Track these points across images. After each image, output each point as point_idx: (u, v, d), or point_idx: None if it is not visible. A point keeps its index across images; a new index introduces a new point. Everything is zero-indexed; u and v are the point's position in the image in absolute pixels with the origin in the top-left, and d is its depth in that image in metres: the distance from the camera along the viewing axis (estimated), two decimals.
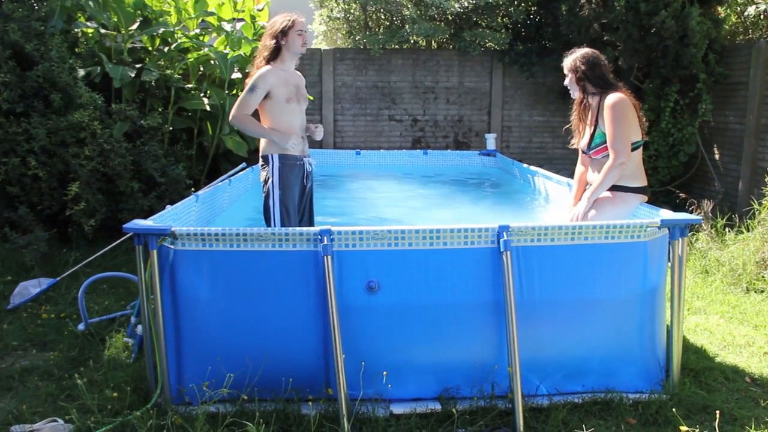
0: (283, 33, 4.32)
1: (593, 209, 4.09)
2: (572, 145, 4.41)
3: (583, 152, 4.28)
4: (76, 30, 7.36)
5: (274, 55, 4.37)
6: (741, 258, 5.88)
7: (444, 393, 3.59)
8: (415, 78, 9.89)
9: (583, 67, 4.14)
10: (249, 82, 4.36)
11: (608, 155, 3.99)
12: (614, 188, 4.08)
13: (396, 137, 10.00)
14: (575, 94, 4.23)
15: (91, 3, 7.31)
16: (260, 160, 4.42)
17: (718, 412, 3.37)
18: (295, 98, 4.43)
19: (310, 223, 4.65)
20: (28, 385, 3.88)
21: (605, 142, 4.02)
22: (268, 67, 4.35)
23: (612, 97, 4.02)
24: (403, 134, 10.01)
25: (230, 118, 4.41)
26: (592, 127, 4.13)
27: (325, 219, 6.13)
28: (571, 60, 4.20)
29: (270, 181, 4.37)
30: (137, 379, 3.82)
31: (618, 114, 3.97)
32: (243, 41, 8.18)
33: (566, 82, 4.26)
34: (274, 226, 4.29)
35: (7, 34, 6.28)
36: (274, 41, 4.34)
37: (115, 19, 7.38)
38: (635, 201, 4.12)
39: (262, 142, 4.43)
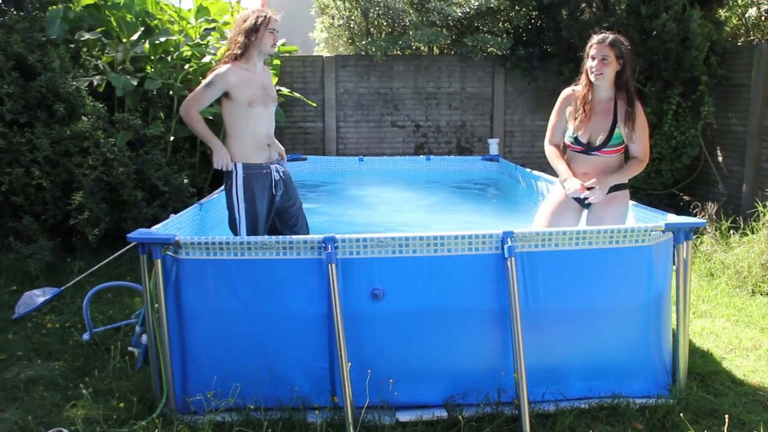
0: (255, 30, 4.09)
1: (614, 207, 4.05)
2: (571, 136, 4.07)
3: (581, 145, 4.01)
4: (78, 40, 7.37)
5: (242, 52, 4.14)
6: (746, 260, 5.86)
7: (450, 400, 3.58)
8: (417, 84, 9.89)
9: (629, 60, 3.88)
10: (208, 76, 4.16)
11: (616, 156, 4.00)
12: (621, 187, 4.09)
13: (399, 143, 10.01)
14: (605, 81, 3.90)
15: (92, 13, 7.33)
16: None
17: (726, 416, 3.35)
18: (261, 101, 4.21)
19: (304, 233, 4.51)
20: (34, 395, 3.87)
21: (621, 143, 3.96)
22: (230, 65, 4.13)
23: (640, 106, 3.94)
24: (406, 140, 10.01)
25: (180, 107, 4.23)
26: (610, 126, 3.94)
27: (329, 227, 6.14)
28: (623, 45, 3.87)
29: (234, 192, 4.20)
30: (143, 389, 3.81)
31: (647, 125, 3.96)
32: None
33: (597, 67, 3.86)
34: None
35: (10, 46, 6.30)
36: (243, 37, 4.10)
37: (117, 29, 7.39)
38: None
39: (228, 148, 4.23)
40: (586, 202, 4.08)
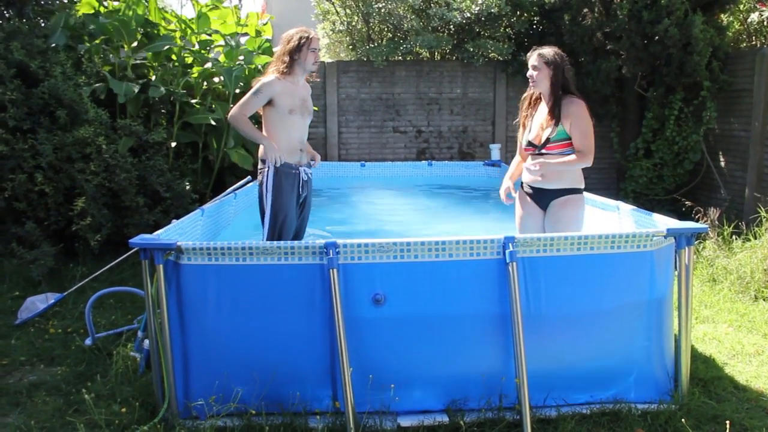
0: (298, 49, 4.51)
1: (569, 210, 4.19)
2: (520, 138, 4.43)
3: (533, 146, 4.26)
4: (79, 46, 7.40)
5: (287, 67, 4.53)
6: (749, 266, 5.85)
7: (451, 405, 3.58)
8: (418, 89, 9.91)
9: (563, 66, 4.19)
10: (255, 85, 4.55)
11: (563, 153, 4.14)
12: (575, 191, 4.24)
13: (400, 149, 10.01)
14: (542, 88, 4.22)
15: (94, 20, 7.36)
16: (259, 162, 4.64)
17: (728, 422, 3.35)
18: (299, 110, 4.62)
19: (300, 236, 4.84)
20: (36, 400, 3.88)
21: (566, 139, 4.14)
22: (276, 76, 4.53)
23: (580, 102, 4.18)
24: (408, 146, 10.02)
25: (229, 115, 4.60)
26: (553, 124, 4.16)
27: (331, 231, 6.15)
28: (552, 54, 4.20)
29: (264, 185, 4.58)
30: (145, 394, 3.81)
31: (589, 119, 4.17)
32: (247, 55, 8.22)
33: (535, 73, 4.20)
34: (266, 229, 4.52)
35: (11, 53, 6.33)
36: (287, 56, 4.52)
37: (119, 36, 7.42)
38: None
39: (261, 147, 4.60)
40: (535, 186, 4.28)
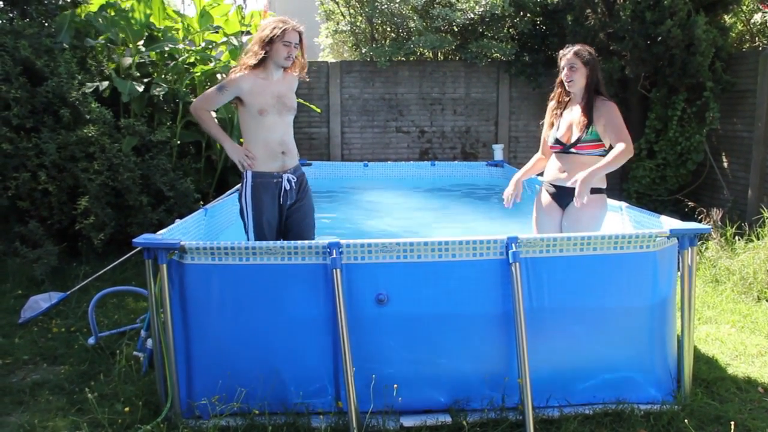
0: (270, 41, 4.08)
1: (591, 208, 4.06)
2: (545, 135, 4.37)
3: (561, 144, 4.19)
4: (85, 45, 7.42)
5: (259, 62, 4.13)
6: (751, 267, 5.85)
7: (454, 405, 3.58)
8: (421, 89, 9.91)
9: (598, 65, 4.18)
10: (224, 79, 4.23)
11: (594, 153, 4.08)
12: (599, 191, 4.14)
13: (403, 149, 10.02)
14: (577, 87, 4.15)
15: (99, 19, 7.38)
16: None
17: (732, 423, 3.35)
18: (274, 109, 4.18)
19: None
20: (39, 399, 3.89)
21: (596, 140, 4.09)
22: (245, 73, 4.13)
23: (612, 104, 4.15)
24: (411, 146, 10.03)
25: (191, 106, 4.29)
26: (584, 124, 4.10)
27: (334, 232, 6.15)
28: (588, 53, 4.16)
29: (243, 199, 4.23)
30: (148, 393, 3.82)
31: (621, 119, 4.11)
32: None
33: (567, 74, 4.14)
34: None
35: (18, 51, 6.34)
36: (258, 47, 4.11)
37: (123, 35, 7.43)
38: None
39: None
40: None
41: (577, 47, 4.19)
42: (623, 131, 4.04)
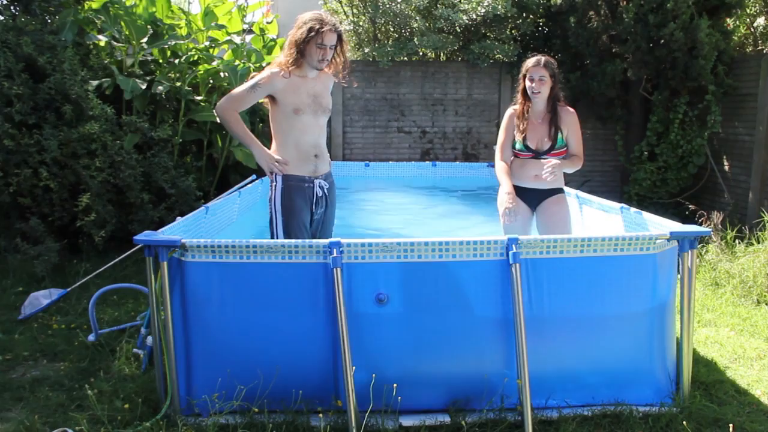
0: (305, 42, 3.82)
1: (562, 206, 4.56)
2: (521, 145, 4.50)
3: (532, 152, 4.44)
4: (87, 42, 7.42)
5: (293, 60, 3.88)
6: (751, 270, 5.85)
7: (453, 405, 3.58)
8: (423, 90, 9.91)
9: (558, 75, 4.44)
10: (256, 76, 3.91)
11: (562, 158, 4.40)
12: (563, 191, 4.64)
13: (405, 149, 10.02)
14: (543, 98, 4.39)
15: (102, 16, 7.38)
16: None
17: (730, 426, 3.35)
18: (310, 110, 3.96)
19: None
20: (39, 395, 3.89)
21: (564, 146, 4.44)
22: (279, 69, 3.89)
23: (573, 111, 4.49)
24: (412, 146, 10.03)
25: (216, 106, 3.93)
26: (554, 132, 4.42)
27: (334, 231, 6.15)
28: (554, 65, 4.40)
29: (272, 204, 3.99)
30: (147, 390, 3.83)
31: (579, 125, 4.51)
32: (252, 53, 8.23)
33: (536, 86, 4.35)
34: None
35: (21, 47, 6.35)
36: (293, 47, 3.85)
37: (126, 32, 7.44)
38: None
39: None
40: (544, 177, 4.36)
41: (543, 59, 4.38)
42: (581, 142, 4.49)
